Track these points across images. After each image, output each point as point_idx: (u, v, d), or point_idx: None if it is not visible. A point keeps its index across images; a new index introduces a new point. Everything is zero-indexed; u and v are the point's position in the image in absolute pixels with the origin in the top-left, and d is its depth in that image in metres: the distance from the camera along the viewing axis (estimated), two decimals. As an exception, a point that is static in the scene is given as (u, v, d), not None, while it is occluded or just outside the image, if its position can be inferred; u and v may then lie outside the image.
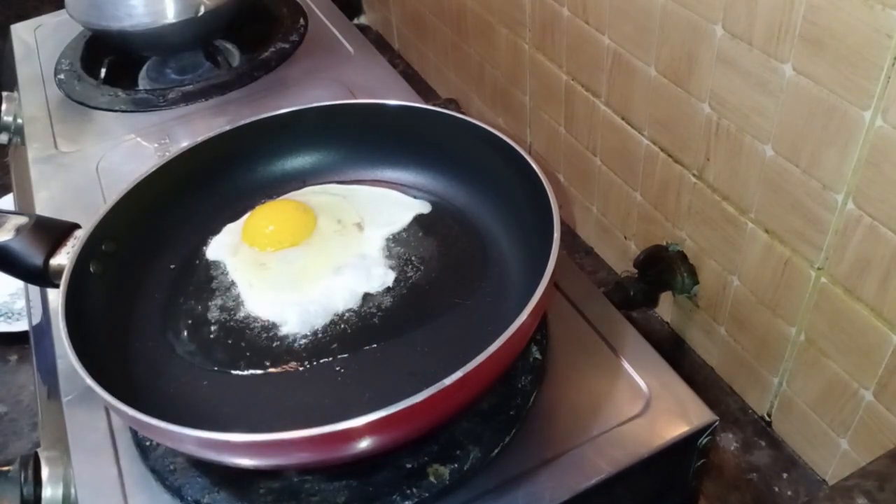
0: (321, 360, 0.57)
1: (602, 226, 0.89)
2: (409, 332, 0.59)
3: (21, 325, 0.93)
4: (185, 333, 0.60)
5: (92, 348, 0.54)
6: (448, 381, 0.45)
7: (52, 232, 0.61)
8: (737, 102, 0.62)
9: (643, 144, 0.76)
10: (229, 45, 1.04)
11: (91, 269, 0.59)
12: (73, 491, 0.55)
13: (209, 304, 0.62)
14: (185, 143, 0.69)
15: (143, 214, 0.65)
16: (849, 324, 0.60)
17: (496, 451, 0.54)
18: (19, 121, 0.94)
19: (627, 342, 0.62)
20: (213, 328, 0.60)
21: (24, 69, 1.03)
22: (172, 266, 0.66)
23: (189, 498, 0.53)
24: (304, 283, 0.61)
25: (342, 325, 0.60)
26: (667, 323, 0.84)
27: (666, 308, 0.83)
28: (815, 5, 0.52)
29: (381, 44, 1.34)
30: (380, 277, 0.62)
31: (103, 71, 0.99)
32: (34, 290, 0.74)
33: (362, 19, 1.41)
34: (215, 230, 0.68)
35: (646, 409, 0.57)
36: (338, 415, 0.44)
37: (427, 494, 0.52)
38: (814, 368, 0.65)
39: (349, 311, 0.60)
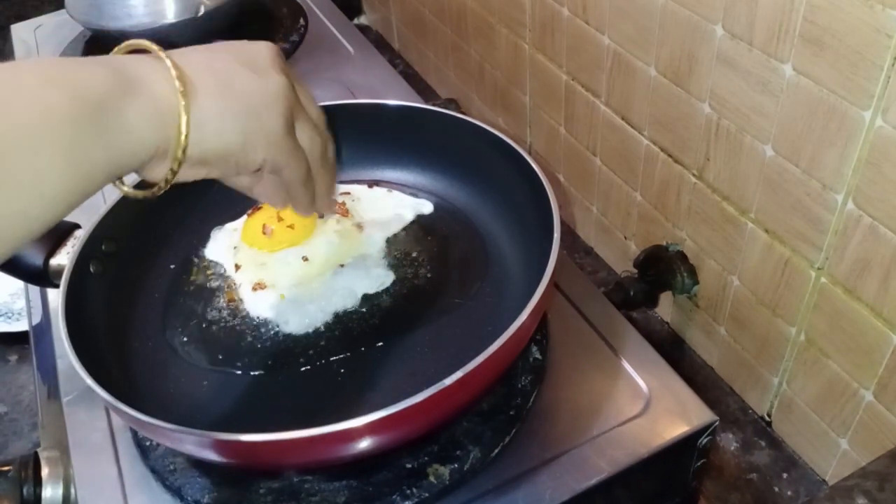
0: (321, 360, 0.57)
1: (602, 226, 0.89)
2: (408, 332, 0.59)
3: (21, 325, 0.93)
4: (186, 333, 0.60)
5: (92, 348, 0.54)
6: (448, 381, 0.45)
7: (52, 232, 0.61)
8: (737, 102, 0.62)
9: (643, 144, 0.76)
10: (229, 45, 1.04)
11: (91, 269, 0.59)
12: (73, 491, 0.55)
13: (209, 304, 0.62)
14: (185, 143, 0.68)
15: (142, 214, 0.65)
16: (849, 324, 0.60)
17: (496, 451, 0.54)
18: (19, 121, 0.94)
19: (627, 342, 0.62)
20: (213, 328, 0.60)
21: (24, 69, 1.03)
22: (172, 266, 0.66)
23: (189, 498, 0.53)
24: (304, 283, 0.61)
25: (342, 325, 0.60)
26: (667, 323, 0.84)
27: (666, 308, 0.83)
28: (815, 5, 0.52)
29: (381, 44, 1.33)
30: (380, 278, 0.62)
31: (103, 71, 0.99)
32: (34, 290, 0.74)
33: (362, 19, 1.41)
34: (215, 230, 0.68)
35: (646, 409, 0.57)
36: (338, 415, 0.44)
37: (427, 494, 0.51)
38: (814, 368, 0.65)
39: (349, 311, 0.60)
